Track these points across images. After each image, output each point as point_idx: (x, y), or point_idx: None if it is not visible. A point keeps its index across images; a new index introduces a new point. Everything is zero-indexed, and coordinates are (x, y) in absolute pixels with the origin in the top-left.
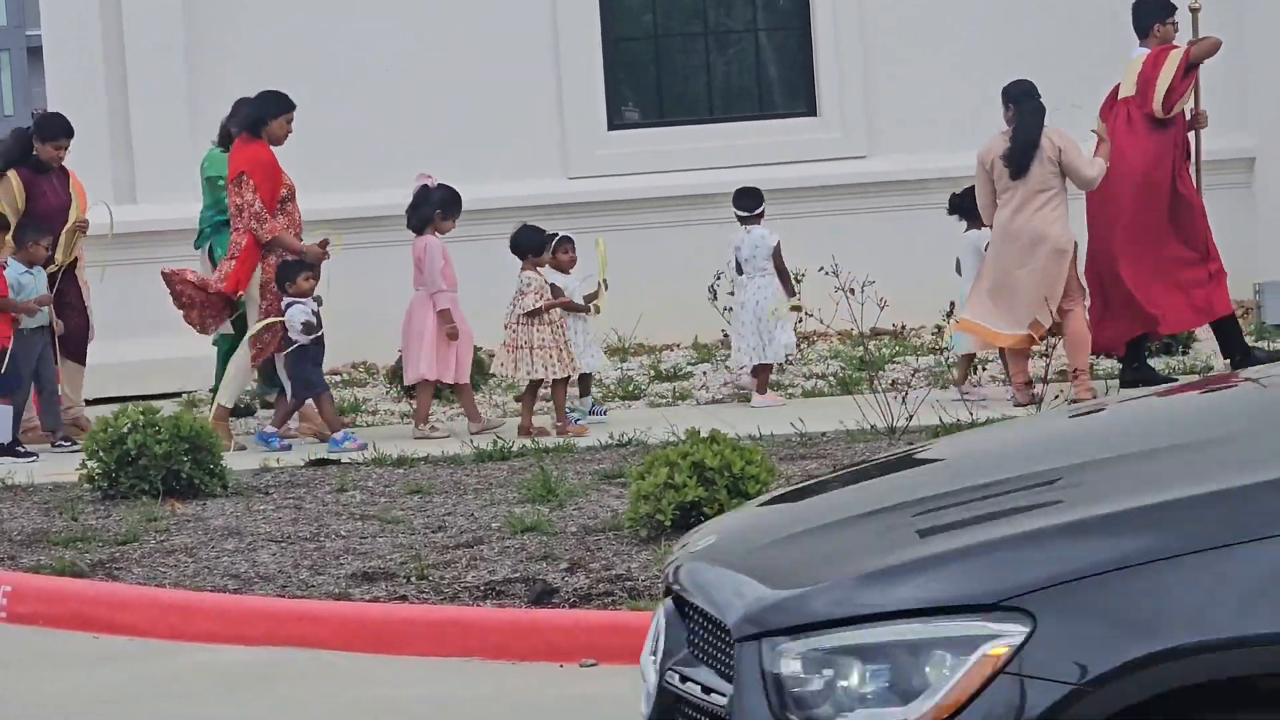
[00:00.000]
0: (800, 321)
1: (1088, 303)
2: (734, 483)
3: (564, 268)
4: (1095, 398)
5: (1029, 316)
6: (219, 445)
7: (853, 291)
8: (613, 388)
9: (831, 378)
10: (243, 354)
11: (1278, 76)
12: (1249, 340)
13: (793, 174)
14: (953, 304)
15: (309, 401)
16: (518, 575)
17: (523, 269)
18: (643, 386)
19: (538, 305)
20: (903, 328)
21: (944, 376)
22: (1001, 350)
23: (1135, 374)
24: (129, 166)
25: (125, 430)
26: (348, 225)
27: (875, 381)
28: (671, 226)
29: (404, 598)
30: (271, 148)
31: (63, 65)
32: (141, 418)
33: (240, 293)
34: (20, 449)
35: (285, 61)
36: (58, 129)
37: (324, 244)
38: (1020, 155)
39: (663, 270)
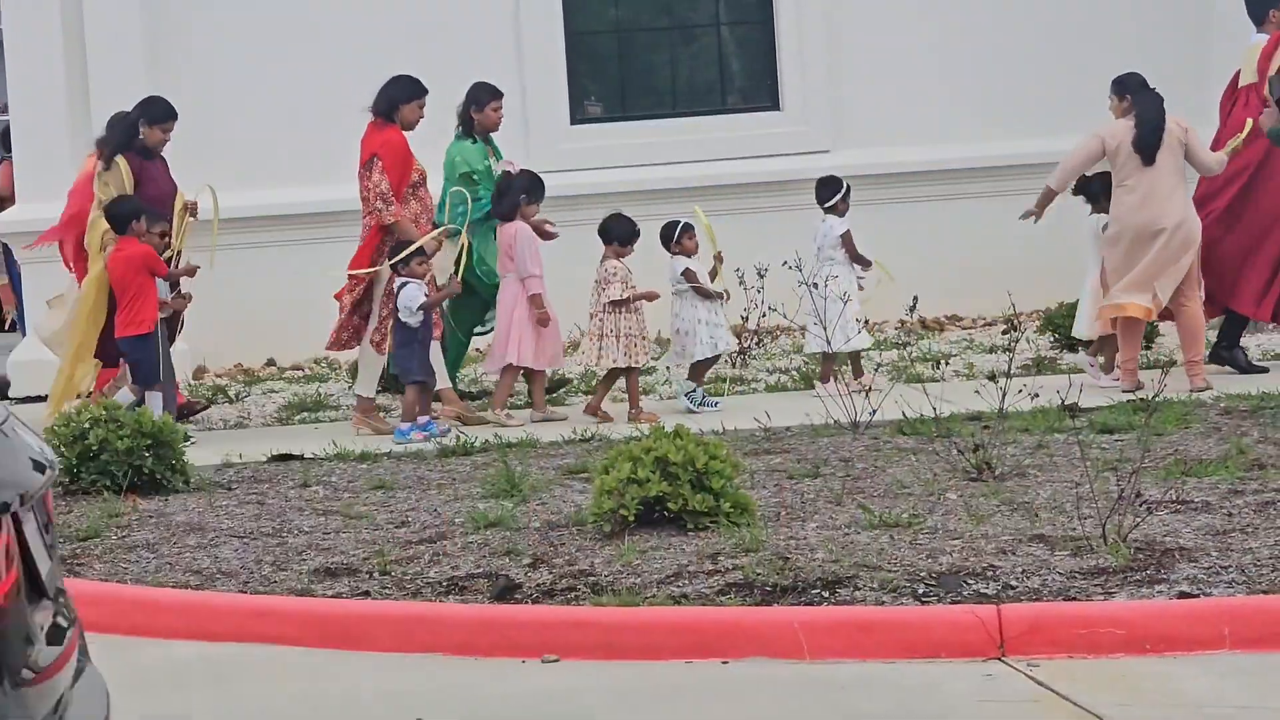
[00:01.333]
0: (870, 326)
1: (1203, 295)
2: (698, 477)
3: (689, 253)
4: (1209, 387)
5: (1156, 295)
6: (180, 440)
7: (816, 285)
8: (575, 383)
9: (795, 372)
10: (368, 343)
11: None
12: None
13: (756, 168)
14: (916, 298)
15: (447, 385)
16: (480, 571)
17: (605, 257)
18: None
19: (624, 296)
20: (867, 321)
21: (907, 370)
22: (1109, 337)
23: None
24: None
25: (87, 425)
26: (307, 220)
27: (839, 376)
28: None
29: (367, 593)
30: (404, 132)
31: (22, 63)
32: (104, 413)
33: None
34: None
35: (244, 57)
36: (164, 111)
37: (444, 234)
38: (1150, 140)
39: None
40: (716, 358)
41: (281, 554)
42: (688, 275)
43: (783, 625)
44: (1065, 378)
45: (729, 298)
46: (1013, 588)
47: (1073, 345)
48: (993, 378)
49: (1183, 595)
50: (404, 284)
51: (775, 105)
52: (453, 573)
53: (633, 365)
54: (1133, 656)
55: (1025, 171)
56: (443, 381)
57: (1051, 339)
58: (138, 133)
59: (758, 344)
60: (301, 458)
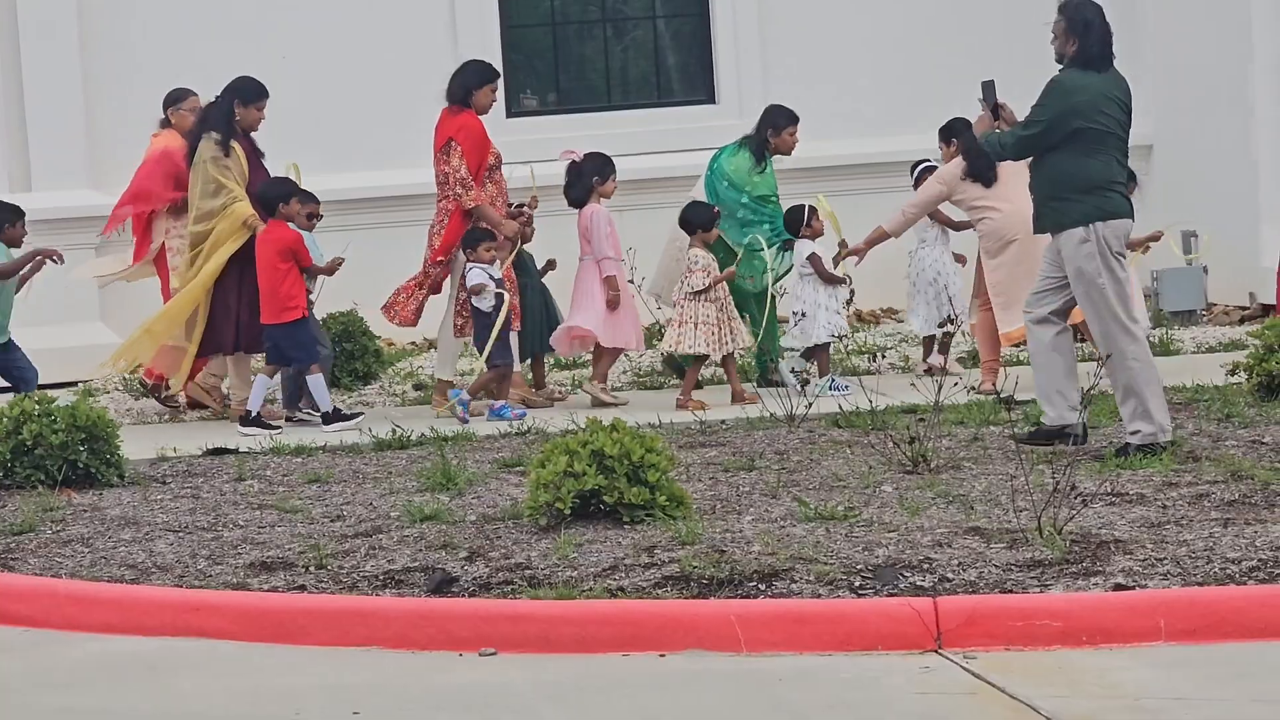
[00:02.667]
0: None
1: None
2: (633, 471)
3: (816, 236)
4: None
5: None
6: (115, 434)
7: (751, 279)
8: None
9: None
10: (447, 327)
11: (1173, 65)
12: (1148, 327)
13: (692, 161)
14: (853, 292)
15: (516, 368)
16: (417, 564)
17: (690, 245)
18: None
19: (705, 285)
20: (802, 315)
21: (843, 363)
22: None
23: None
24: (24, 156)
25: (21, 420)
26: None
27: (775, 369)
28: (572, 214)
29: (302, 587)
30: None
31: None
32: (37, 407)
33: (444, 258)
34: (345, 414)
35: (180, 47)
36: (256, 90)
37: (526, 219)
38: (979, 165)
39: (564, 258)
40: (833, 342)
41: (217, 548)
42: (813, 260)
43: (719, 618)
44: (1001, 371)
45: (851, 283)
46: (949, 580)
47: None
48: (929, 371)
49: (1118, 587)
50: (470, 269)
51: (711, 98)
52: (389, 566)
53: (708, 354)
54: (1069, 648)
55: None
56: (442, 372)
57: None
58: (232, 115)
59: None
60: (237, 451)
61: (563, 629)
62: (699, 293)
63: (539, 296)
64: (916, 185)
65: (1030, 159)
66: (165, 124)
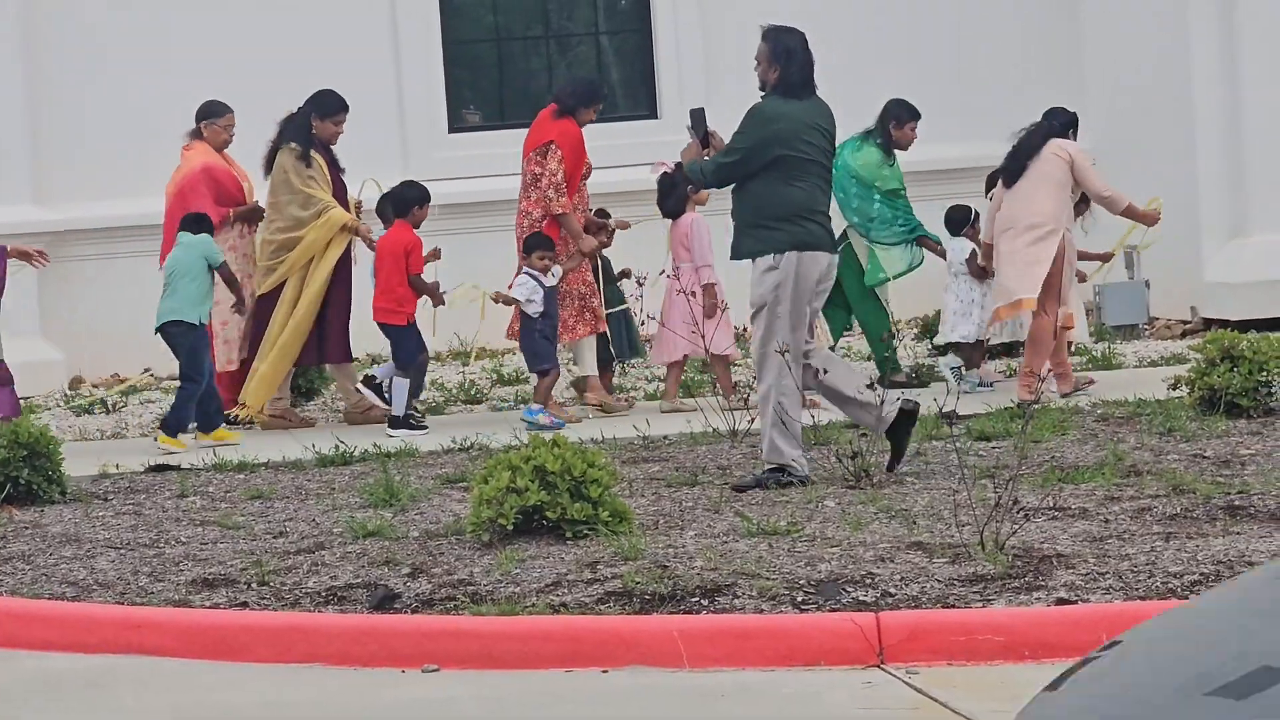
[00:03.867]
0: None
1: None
2: (576, 486)
3: (976, 237)
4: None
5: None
6: (57, 451)
7: (694, 295)
8: (454, 391)
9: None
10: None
11: (1115, 79)
12: (1089, 342)
13: (634, 176)
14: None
15: (592, 374)
16: (359, 580)
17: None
18: (485, 391)
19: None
20: (745, 330)
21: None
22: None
23: None
24: None
25: None
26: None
27: (718, 385)
28: (513, 230)
29: (245, 604)
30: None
31: None
32: None
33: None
34: (414, 420)
35: (115, 69)
36: (336, 104)
37: (608, 229)
38: (1009, 166)
39: (505, 274)
40: (984, 341)
41: (159, 565)
42: (971, 259)
43: (662, 634)
44: (943, 384)
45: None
46: (891, 595)
47: (944, 353)
48: (871, 385)
49: (1061, 602)
50: (522, 274)
51: (653, 114)
52: (331, 583)
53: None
54: (1011, 663)
55: (919, 179)
56: (587, 370)
57: (930, 347)
58: (310, 127)
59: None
60: (179, 468)
61: (505, 645)
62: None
63: (616, 305)
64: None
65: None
66: (196, 135)
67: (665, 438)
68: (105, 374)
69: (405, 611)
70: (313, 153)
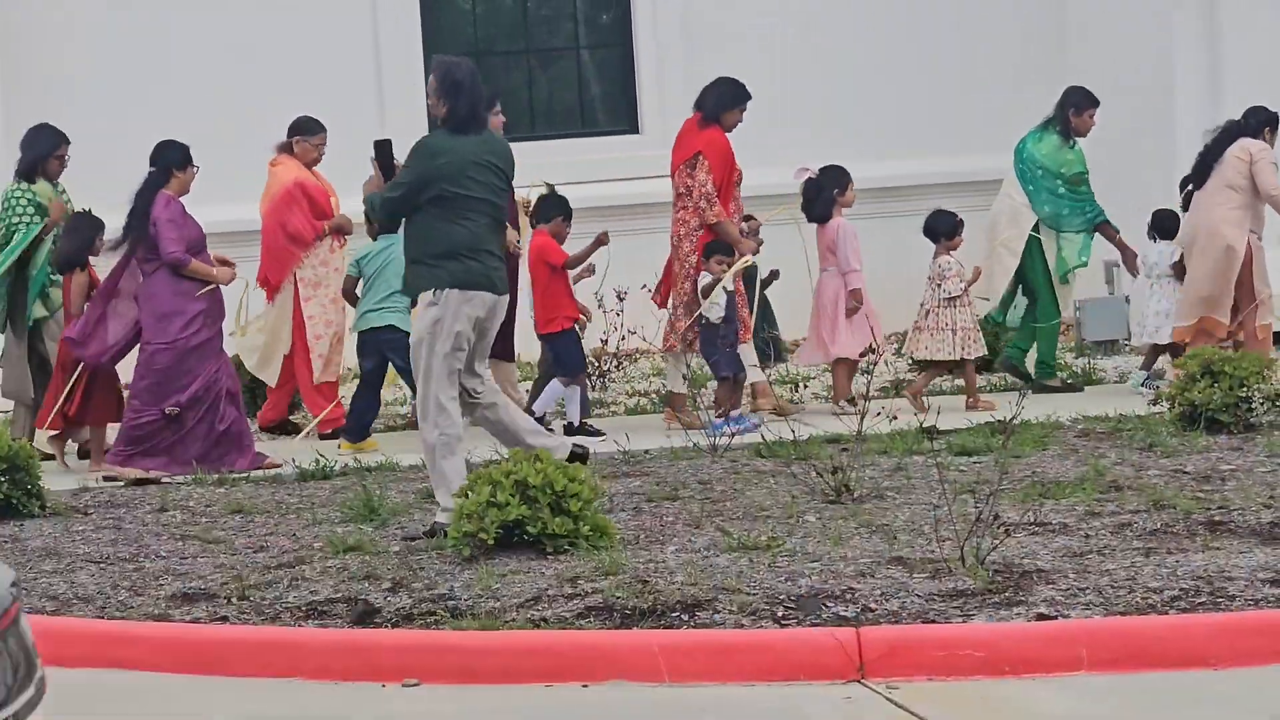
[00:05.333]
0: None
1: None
2: (557, 500)
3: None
4: None
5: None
6: (36, 465)
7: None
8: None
9: (655, 395)
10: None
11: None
12: (1070, 356)
13: (615, 191)
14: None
15: (760, 377)
16: (340, 595)
17: (936, 254)
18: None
19: (961, 290)
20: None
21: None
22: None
23: None
24: None
25: None
26: None
27: (697, 399)
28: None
29: (225, 619)
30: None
31: None
32: None
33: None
34: (590, 427)
35: (101, 88)
36: (492, 99)
37: (760, 243)
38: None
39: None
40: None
41: (139, 579)
42: (1179, 261)
43: (642, 648)
44: (923, 400)
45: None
46: (872, 610)
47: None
48: (851, 400)
49: (1041, 617)
50: (704, 280)
51: (634, 128)
52: (311, 597)
53: (965, 357)
54: (991, 678)
55: (882, 195)
56: (755, 376)
57: (910, 361)
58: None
59: (617, 367)
60: (159, 482)
61: (486, 660)
62: (953, 299)
63: (762, 309)
64: (1186, 204)
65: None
66: (285, 149)
67: (646, 452)
68: None
69: (385, 626)
70: None
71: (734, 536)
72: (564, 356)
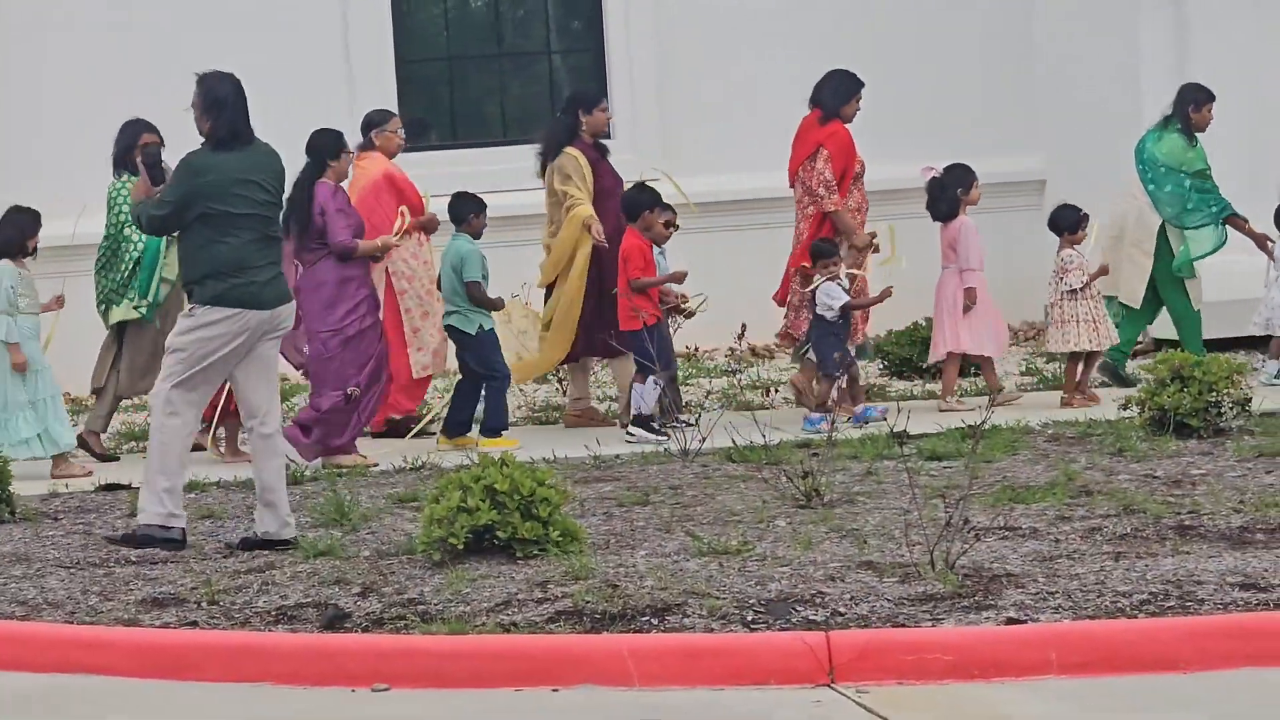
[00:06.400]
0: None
1: None
2: (526, 505)
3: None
4: None
5: None
6: (7, 469)
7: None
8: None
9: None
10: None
11: (1064, 101)
12: (1039, 363)
13: None
14: (745, 325)
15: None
16: (310, 600)
17: (1060, 247)
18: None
19: (1084, 282)
20: (696, 349)
21: (736, 397)
22: None
23: None
24: None
25: None
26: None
27: (588, 408)
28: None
29: (195, 623)
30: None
31: None
32: None
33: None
34: (655, 425)
35: (70, 89)
36: (595, 96)
37: (873, 236)
38: None
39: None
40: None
41: (109, 584)
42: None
43: (612, 653)
44: (894, 404)
45: None
46: (841, 614)
47: (901, 372)
48: (992, 396)
49: (1010, 621)
50: (820, 281)
51: (606, 133)
52: (282, 602)
53: (1095, 349)
54: (961, 682)
55: None
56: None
57: (881, 365)
58: (578, 124)
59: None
60: (129, 487)
61: (456, 664)
62: (1074, 291)
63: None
64: None
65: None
66: (368, 145)
67: (617, 457)
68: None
69: (356, 631)
70: (572, 149)
71: (704, 541)
72: (642, 354)
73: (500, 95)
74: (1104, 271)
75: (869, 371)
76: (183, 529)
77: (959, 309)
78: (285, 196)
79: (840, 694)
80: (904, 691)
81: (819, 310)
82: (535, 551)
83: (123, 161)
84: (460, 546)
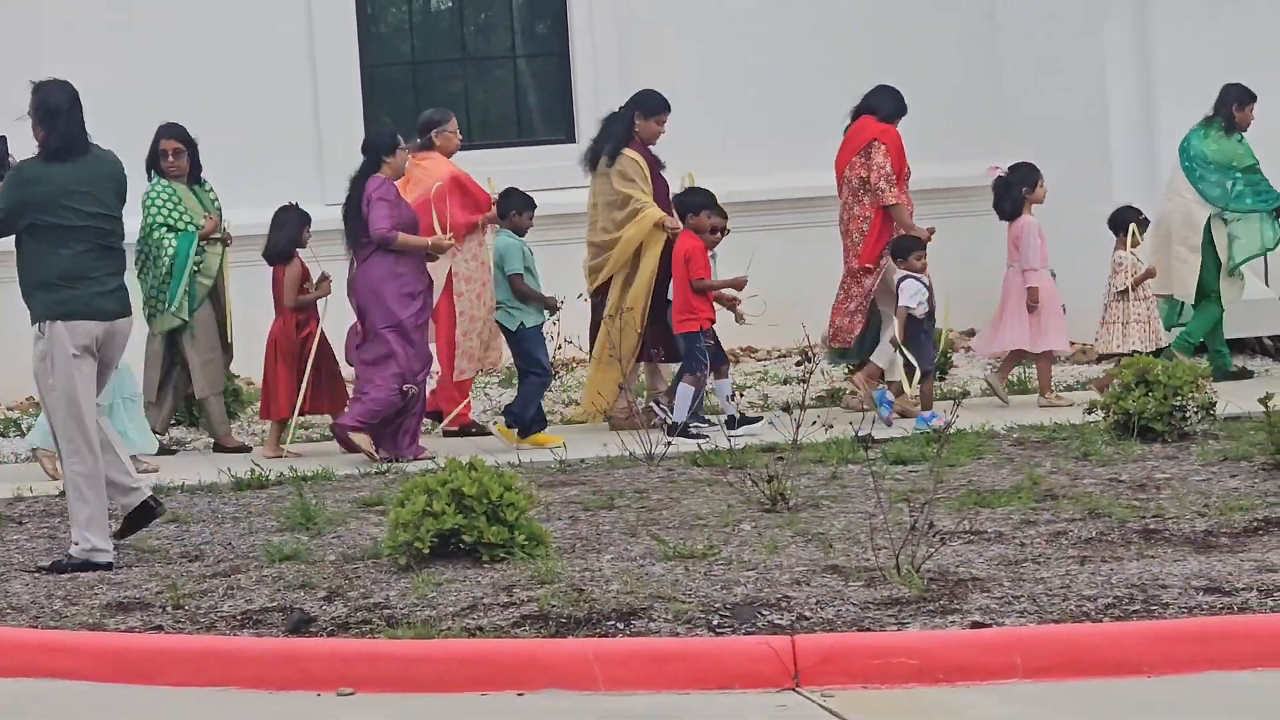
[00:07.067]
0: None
1: None
2: (492, 509)
3: None
4: None
5: None
6: None
7: (612, 317)
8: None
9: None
10: (895, 326)
11: (1034, 118)
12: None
13: (552, 200)
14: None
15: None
16: (275, 604)
17: (1116, 248)
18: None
19: (1127, 285)
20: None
21: (703, 402)
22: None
23: None
24: None
25: None
26: None
27: (633, 407)
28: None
29: (160, 628)
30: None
31: None
32: None
33: (872, 265)
34: (692, 433)
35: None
36: (659, 104)
37: (932, 232)
38: None
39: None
40: None
41: (73, 588)
42: None
43: (578, 657)
44: (860, 410)
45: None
46: (807, 618)
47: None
48: (787, 409)
49: (975, 625)
50: (903, 278)
51: (570, 138)
52: (247, 606)
53: (1146, 350)
54: (926, 686)
55: (815, 204)
56: (881, 360)
57: (845, 370)
58: (632, 126)
59: (554, 376)
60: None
61: (421, 668)
62: (1123, 292)
63: None
64: None
65: None
66: (426, 146)
67: (583, 461)
68: (20, 397)
69: (321, 635)
70: (632, 151)
71: (670, 545)
72: (690, 355)
73: (465, 100)
74: (1151, 273)
75: (833, 375)
76: (109, 562)
77: (1024, 307)
78: (124, 206)
79: (805, 698)
80: (869, 695)
81: (910, 309)
82: (501, 555)
83: (153, 164)
84: (426, 551)
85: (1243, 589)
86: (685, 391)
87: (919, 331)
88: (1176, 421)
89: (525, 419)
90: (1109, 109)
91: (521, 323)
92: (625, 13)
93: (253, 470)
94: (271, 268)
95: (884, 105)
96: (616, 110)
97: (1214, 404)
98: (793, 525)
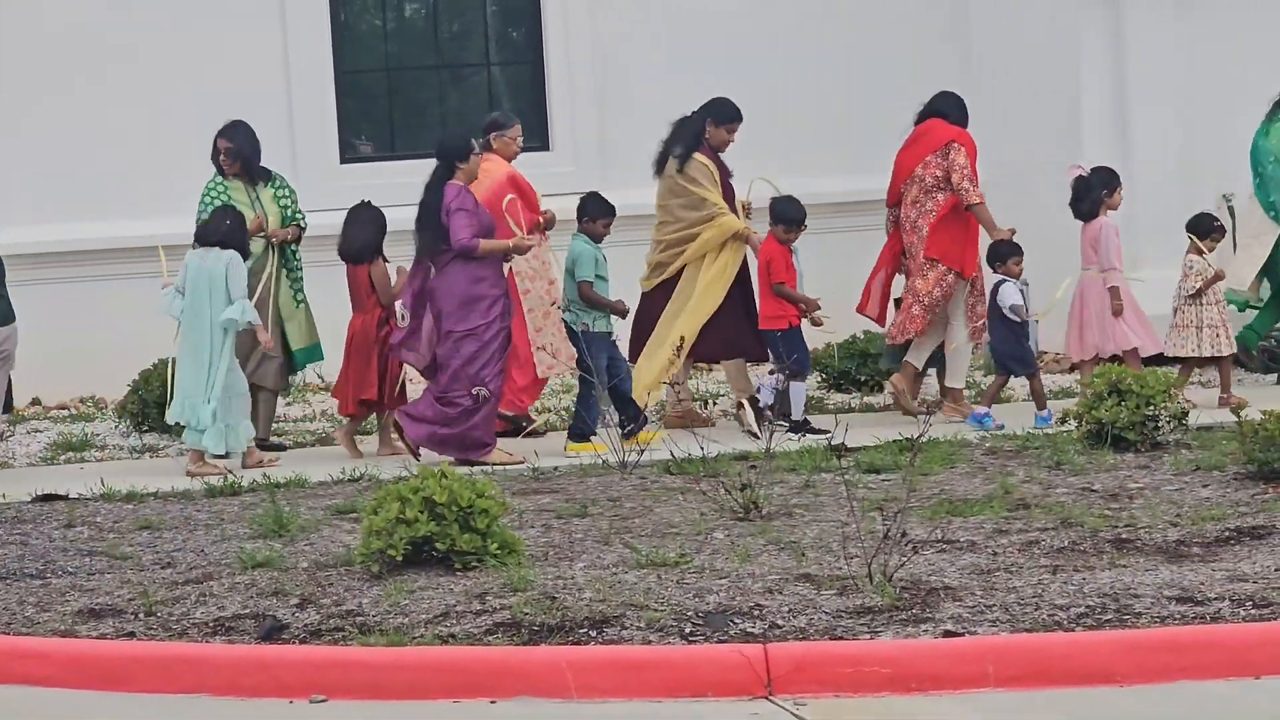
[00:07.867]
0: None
1: None
2: (465, 517)
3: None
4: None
5: None
6: None
7: (586, 326)
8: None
9: (565, 412)
10: (960, 335)
11: (1006, 118)
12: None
13: None
14: (684, 338)
15: (958, 386)
16: (247, 611)
17: (1188, 252)
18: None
19: (1196, 288)
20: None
21: (665, 413)
22: None
23: None
24: None
25: None
26: (76, 259)
27: (606, 416)
28: (405, 260)
29: (132, 634)
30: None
31: None
32: None
33: (938, 256)
34: (813, 427)
35: (16, 102)
36: (731, 112)
37: (1012, 232)
38: None
39: None
40: None
41: (45, 595)
42: None
43: (550, 665)
44: (832, 416)
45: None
46: (779, 627)
47: (840, 385)
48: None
49: (948, 634)
50: (999, 283)
51: (545, 145)
52: (219, 613)
53: (1217, 354)
54: (898, 695)
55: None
56: (955, 381)
57: (819, 378)
58: (703, 132)
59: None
60: (66, 498)
61: (393, 676)
62: (1194, 296)
63: None
64: None
65: None
66: (485, 148)
67: (556, 469)
68: None
69: (293, 642)
70: (703, 156)
71: (642, 553)
72: (785, 355)
73: (439, 106)
74: (1220, 276)
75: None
76: None
77: (1107, 310)
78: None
79: (778, 706)
80: (842, 704)
81: (1006, 312)
82: (474, 563)
83: (215, 161)
84: (399, 558)
85: (1215, 598)
86: (798, 389)
87: (1012, 334)
88: (1149, 431)
89: (589, 431)
90: (1082, 114)
91: (586, 325)
92: (599, 20)
93: (226, 477)
94: (349, 266)
95: (953, 110)
96: (688, 115)
97: (1186, 414)
98: (765, 534)
